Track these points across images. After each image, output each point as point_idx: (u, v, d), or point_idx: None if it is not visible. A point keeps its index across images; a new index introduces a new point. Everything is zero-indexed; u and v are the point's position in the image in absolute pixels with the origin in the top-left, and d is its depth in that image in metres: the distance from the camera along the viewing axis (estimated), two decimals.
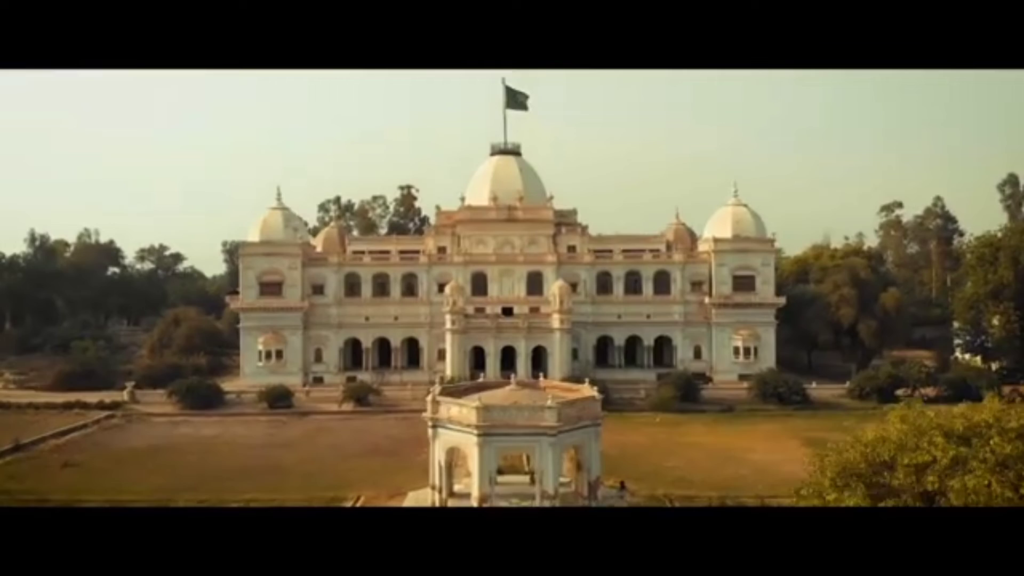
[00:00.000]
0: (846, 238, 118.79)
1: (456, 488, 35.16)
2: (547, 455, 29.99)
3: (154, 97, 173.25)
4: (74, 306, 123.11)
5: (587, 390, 34.04)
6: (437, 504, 32.02)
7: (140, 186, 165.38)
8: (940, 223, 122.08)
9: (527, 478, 37.68)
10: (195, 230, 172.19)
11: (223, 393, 64.64)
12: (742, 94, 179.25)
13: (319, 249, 78.48)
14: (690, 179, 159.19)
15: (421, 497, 33.45)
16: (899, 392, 63.79)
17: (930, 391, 64.43)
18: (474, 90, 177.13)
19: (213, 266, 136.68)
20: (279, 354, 72.83)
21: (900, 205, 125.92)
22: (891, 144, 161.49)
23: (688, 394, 61.84)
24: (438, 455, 31.94)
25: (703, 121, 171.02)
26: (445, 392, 33.25)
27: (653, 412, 58.92)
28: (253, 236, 74.51)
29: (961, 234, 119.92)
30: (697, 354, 73.98)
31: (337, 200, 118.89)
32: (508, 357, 67.55)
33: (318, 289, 74.72)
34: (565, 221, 79.04)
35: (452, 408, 31.43)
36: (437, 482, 32.08)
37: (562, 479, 32.51)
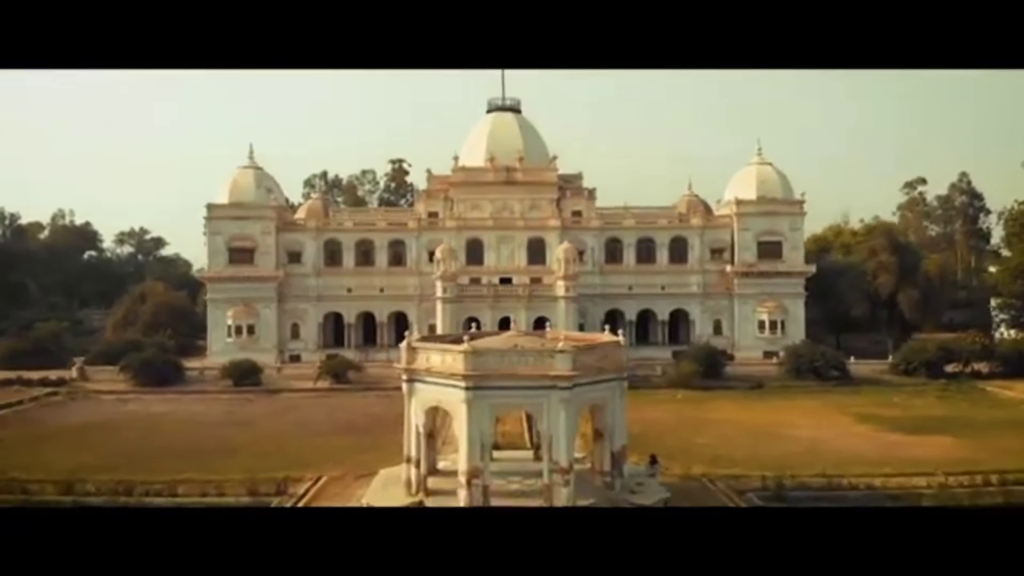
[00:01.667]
0: (861, 220, 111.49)
1: (441, 465, 27.72)
2: (558, 416, 22.44)
3: (143, 91, 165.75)
4: (47, 290, 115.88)
5: (607, 337, 26.59)
6: (414, 482, 24.46)
7: (134, 178, 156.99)
8: (965, 200, 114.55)
9: (529, 454, 30.28)
10: (189, 223, 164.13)
11: (183, 369, 57.19)
12: (746, 79, 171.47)
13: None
14: (696, 163, 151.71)
15: (394, 475, 25.92)
16: (949, 367, 56.64)
17: (983, 366, 57.24)
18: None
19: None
20: (250, 329, 65.29)
21: (924, 182, 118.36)
22: (909, 126, 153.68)
23: (711, 369, 54.35)
24: (415, 418, 24.38)
25: (707, 103, 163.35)
26: (426, 339, 25.68)
27: (672, 389, 51.51)
28: (222, 198, 66.86)
29: (988, 212, 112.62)
30: (717, 329, 66.47)
31: (324, 175, 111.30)
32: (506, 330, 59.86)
33: (294, 257, 67.11)
34: (570, 186, 71.56)
35: (432, 355, 23.89)
36: (414, 453, 24.52)
37: (576, 455, 24.89)
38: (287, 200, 79.15)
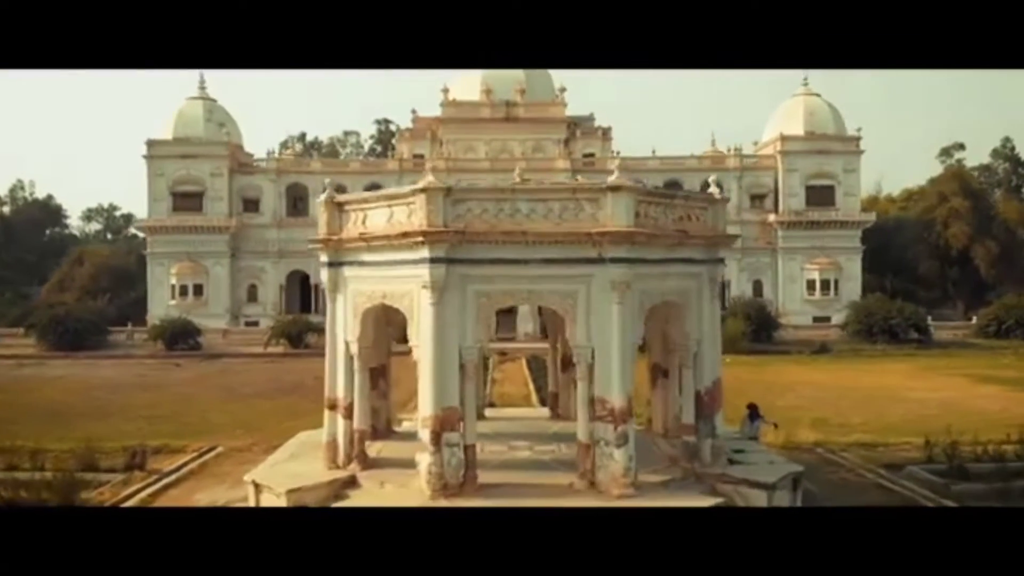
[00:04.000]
0: (890, 198, 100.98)
1: (405, 426, 16.93)
2: (607, 313, 11.71)
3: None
4: (6, 266, 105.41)
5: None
6: (341, 446, 13.60)
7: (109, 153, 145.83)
8: (1008, 168, 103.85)
9: (544, 412, 19.64)
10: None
11: (105, 331, 46.50)
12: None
13: None
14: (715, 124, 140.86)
15: (314, 440, 14.97)
16: None
17: None
18: None
19: None
20: (198, 289, 54.53)
21: (962, 147, 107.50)
22: (943, 89, 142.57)
23: (761, 331, 43.68)
24: (344, 330, 13.56)
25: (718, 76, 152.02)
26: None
27: None
28: (166, 133, 56.01)
29: None
30: (757, 290, 55.66)
31: (302, 137, 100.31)
32: None
33: (251, 204, 56.30)
34: (581, 127, 61.01)
35: (373, 213, 13.09)
36: (341, 395, 13.67)
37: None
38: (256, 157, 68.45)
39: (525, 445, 14.95)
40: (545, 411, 19.23)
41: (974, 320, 48.00)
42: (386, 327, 15.23)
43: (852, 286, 54.49)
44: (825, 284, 54.53)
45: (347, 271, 13.51)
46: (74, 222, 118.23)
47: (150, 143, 55.22)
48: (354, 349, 13.44)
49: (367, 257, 13.07)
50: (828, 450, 18.57)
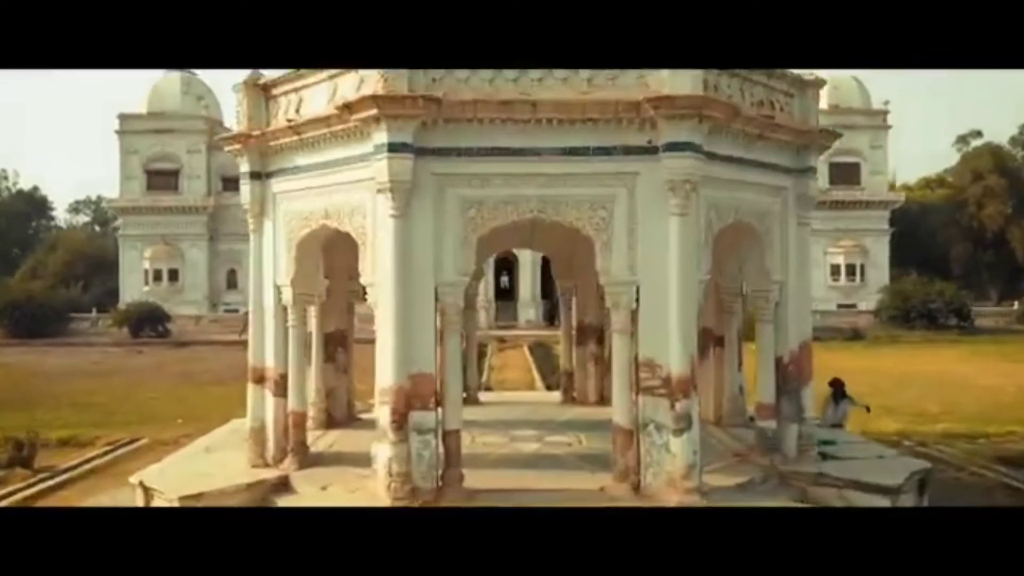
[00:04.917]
0: (907, 186, 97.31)
1: (375, 413, 12.81)
2: (664, 235, 7.73)
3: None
4: None
5: None
6: (271, 434, 9.63)
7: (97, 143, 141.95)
8: None
9: (554, 397, 15.67)
10: None
11: (67, 318, 42.60)
12: None
13: None
14: None
15: (243, 426, 10.97)
16: None
17: None
18: None
19: None
20: (173, 275, 50.50)
21: (979, 134, 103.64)
22: (949, 85, 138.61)
23: None
24: (275, 271, 9.55)
25: None
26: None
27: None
28: (140, 108, 51.99)
29: None
30: None
31: None
32: (506, 270, 45.42)
33: (231, 183, 51.79)
34: None
35: (311, 93, 9.03)
36: (271, 363, 9.68)
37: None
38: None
39: (532, 435, 10.95)
40: (556, 395, 15.20)
41: (1016, 306, 44.09)
42: (347, 280, 11.28)
43: (879, 272, 50.46)
44: (850, 269, 50.47)
45: (276, 184, 9.47)
46: (61, 214, 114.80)
47: (122, 117, 51.23)
48: (287, 296, 9.40)
49: (302, 160, 9.02)
50: (918, 442, 14.67)
